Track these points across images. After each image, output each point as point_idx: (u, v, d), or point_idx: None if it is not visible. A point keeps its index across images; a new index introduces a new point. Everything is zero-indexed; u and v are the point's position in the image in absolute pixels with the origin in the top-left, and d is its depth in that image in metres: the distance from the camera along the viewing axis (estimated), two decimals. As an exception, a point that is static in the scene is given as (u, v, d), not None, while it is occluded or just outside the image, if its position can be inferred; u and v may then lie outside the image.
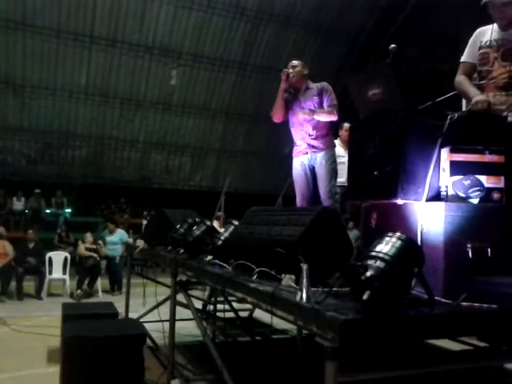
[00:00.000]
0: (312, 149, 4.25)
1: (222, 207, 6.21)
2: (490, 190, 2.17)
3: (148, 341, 4.10)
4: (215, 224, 5.50)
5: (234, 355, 3.65)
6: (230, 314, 5.05)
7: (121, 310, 4.81)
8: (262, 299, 2.10)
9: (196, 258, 3.25)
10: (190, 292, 3.81)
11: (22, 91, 12.93)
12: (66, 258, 8.06)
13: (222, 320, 4.76)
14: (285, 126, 4.58)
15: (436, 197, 2.21)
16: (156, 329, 4.35)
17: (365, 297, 1.61)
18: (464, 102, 3.41)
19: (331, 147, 4.34)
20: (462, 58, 3.05)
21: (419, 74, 10.86)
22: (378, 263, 1.69)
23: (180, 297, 3.61)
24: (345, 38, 14.47)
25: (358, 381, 1.67)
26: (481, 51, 2.94)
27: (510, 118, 2.70)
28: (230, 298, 4.75)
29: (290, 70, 4.29)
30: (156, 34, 13.06)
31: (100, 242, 8.51)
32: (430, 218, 2.10)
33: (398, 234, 1.82)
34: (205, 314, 4.85)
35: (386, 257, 1.71)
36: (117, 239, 8.77)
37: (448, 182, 2.17)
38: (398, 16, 13.53)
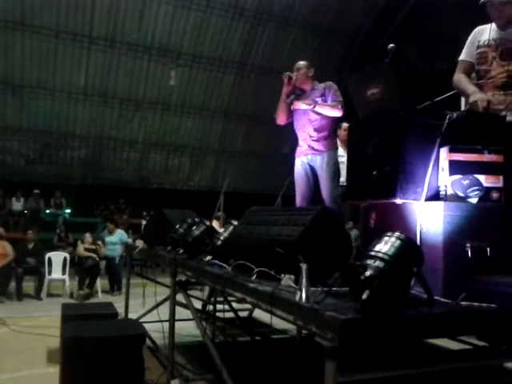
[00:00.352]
0: (312, 150, 4.24)
1: (221, 207, 6.21)
2: (488, 190, 2.17)
3: (148, 341, 4.11)
4: (214, 224, 5.50)
5: (234, 355, 3.64)
6: (230, 314, 5.05)
7: (120, 310, 4.80)
8: (262, 299, 2.10)
9: (195, 258, 3.25)
10: (190, 292, 3.81)
11: (20, 91, 12.92)
12: (65, 259, 8.07)
13: (222, 320, 4.75)
14: (284, 126, 4.58)
15: (435, 196, 2.21)
16: (156, 329, 4.34)
17: (364, 296, 1.61)
18: (463, 101, 3.41)
19: (333, 149, 4.30)
20: (461, 57, 3.05)
21: (418, 74, 10.87)
22: (378, 263, 1.69)
23: (180, 297, 3.60)
24: (343, 38, 14.49)
25: (358, 381, 1.67)
26: (479, 50, 2.93)
27: (508, 118, 2.70)
28: (229, 298, 4.76)
29: (294, 74, 4.26)
30: (155, 34, 13.05)
31: (99, 242, 8.51)
32: (429, 218, 2.10)
33: (397, 233, 1.81)
34: (204, 314, 4.84)
35: (386, 256, 1.70)
36: (116, 239, 8.78)
37: (447, 181, 2.17)
38: (397, 16, 13.55)
